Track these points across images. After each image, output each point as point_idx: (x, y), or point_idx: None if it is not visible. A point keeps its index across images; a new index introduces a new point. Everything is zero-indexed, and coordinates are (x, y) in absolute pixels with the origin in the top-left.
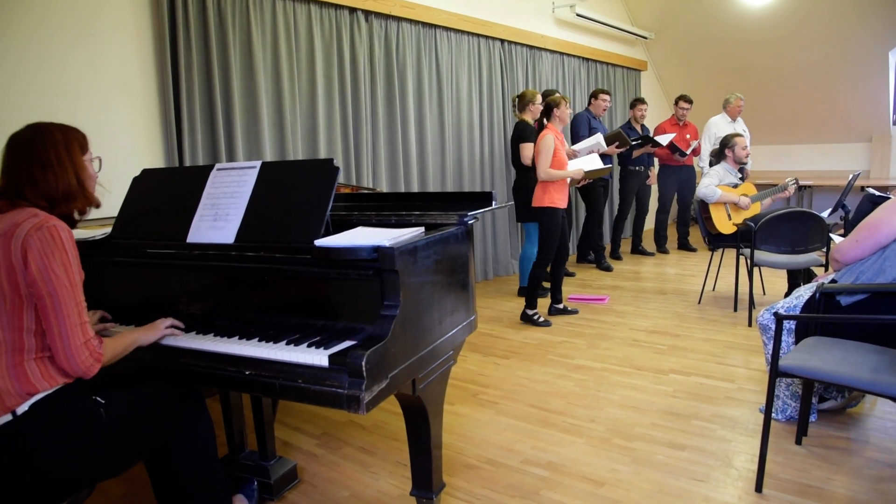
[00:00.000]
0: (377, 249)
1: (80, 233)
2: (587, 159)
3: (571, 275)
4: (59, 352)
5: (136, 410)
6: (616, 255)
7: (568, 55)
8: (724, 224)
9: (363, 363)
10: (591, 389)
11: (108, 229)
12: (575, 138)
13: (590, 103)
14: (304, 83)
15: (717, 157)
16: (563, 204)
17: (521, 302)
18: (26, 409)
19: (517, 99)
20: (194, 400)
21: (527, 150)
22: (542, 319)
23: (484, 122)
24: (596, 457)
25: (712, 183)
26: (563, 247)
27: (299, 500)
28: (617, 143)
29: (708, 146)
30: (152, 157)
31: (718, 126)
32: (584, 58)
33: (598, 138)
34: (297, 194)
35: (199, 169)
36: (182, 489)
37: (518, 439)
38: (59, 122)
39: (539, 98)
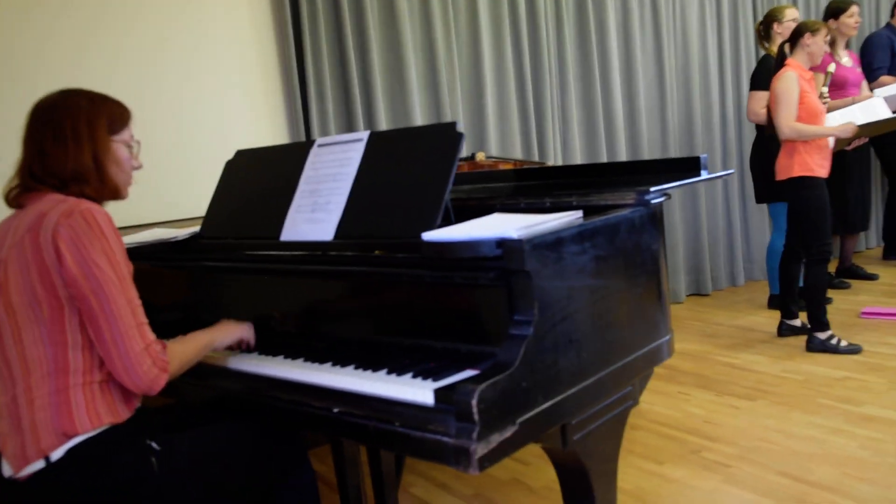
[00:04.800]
0: (501, 243)
1: (164, 231)
2: (864, 106)
3: (872, 277)
4: (116, 362)
5: (204, 459)
6: None
7: None
8: None
9: (473, 401)
10: (888, 455)
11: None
12: (868, 72)
13: (893, 16)
14: (464, 28)
15: None
16: (822, 171)
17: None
18: (62, 454)
19: (761, 24)
20: (290, 446)
21: (755, 100)
22: (845, 344)
23: (726, 62)
24: None
25: None
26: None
27: None
28: None
29: None
30: (273, 131)
31: None
32: None
33: None
34: (410, 173)
35: (299, 146)
36: None
37: None
38: (97, 91)
39: (790, 14)
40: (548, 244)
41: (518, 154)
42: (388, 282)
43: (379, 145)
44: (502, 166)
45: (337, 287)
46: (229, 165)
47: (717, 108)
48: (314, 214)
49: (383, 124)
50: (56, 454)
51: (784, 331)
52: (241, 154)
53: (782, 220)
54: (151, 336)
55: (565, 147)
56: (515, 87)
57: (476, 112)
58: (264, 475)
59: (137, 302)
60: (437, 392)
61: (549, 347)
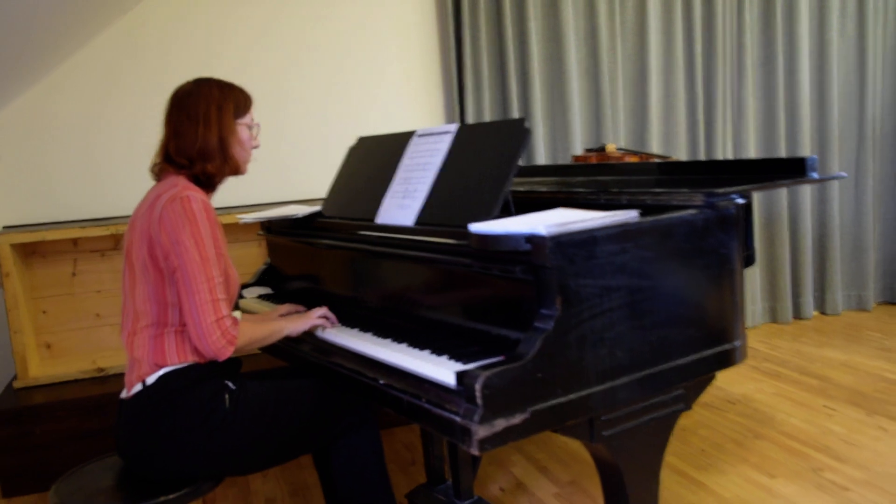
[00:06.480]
0: (530, 238)
1: (295, 208)
2: None
3: None
4: (191, 328)
5: (271, 405)
6: None
7: None
8: None
9: (477, 385)
10: None
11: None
12: None
13: None
14: (630, 14)
15: None
16: None
17: None
18: (154, 380)
19: None
20: (352, 407)
21: None
22: None
23: None
24: None
25: None
26: None
27: None
28: None
29: None
30: (431, 118)
31: None
32: None
33: None
34: (481, 165)
35: (406, 135)
36: None
37: None
38: (226, 80)
39: None
40: (577, 242)
41: (682, 148)
42: (446, 268)
43: (464, 138)
44: (628, 159)
45: (409, 270)
46: (351, 151)
47: None
48: (404, 200)
49: (539, 114)
50: (150, 379)
51: None
52: (361, 140)
53: None
54: (224, 312)
55: (737, 141)
56: (684, 76)
57: (638, 101)
58: (325, 430)
59: (218, 280)
60: (459, 374)
61: (573, 343)
